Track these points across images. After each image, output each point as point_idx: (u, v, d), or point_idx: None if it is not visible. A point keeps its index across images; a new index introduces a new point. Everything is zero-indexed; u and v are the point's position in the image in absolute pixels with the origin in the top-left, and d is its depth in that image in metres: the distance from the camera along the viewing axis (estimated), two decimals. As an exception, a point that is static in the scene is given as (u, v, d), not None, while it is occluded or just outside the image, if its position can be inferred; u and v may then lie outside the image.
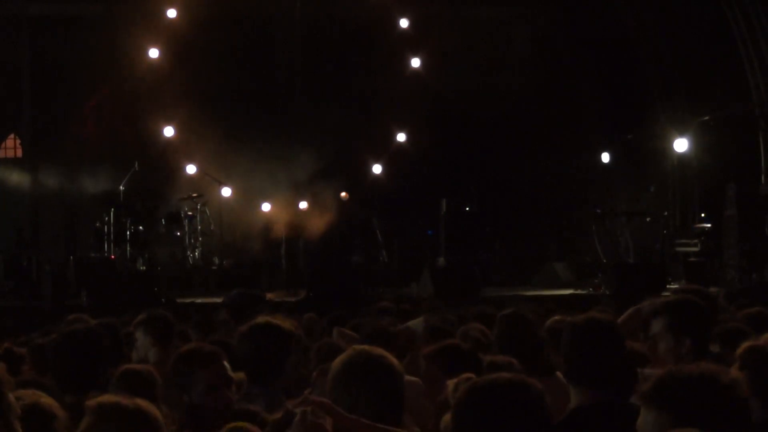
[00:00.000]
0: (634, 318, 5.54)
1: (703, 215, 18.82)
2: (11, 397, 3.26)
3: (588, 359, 4.32)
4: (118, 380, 4.82)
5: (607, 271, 17.00)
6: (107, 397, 3.26)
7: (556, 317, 7.56)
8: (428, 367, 5.13)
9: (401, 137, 20.00)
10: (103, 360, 5.04)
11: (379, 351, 3.86)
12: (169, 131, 19.37)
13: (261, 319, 5.13)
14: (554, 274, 18.55)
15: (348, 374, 3.76)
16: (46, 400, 3.70)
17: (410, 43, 19.92)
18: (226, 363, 4.52)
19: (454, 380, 4.27)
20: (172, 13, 19.23)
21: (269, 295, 15.72)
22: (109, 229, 17.64)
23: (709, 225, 18.04)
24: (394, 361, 3.85)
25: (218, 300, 15.40)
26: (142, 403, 3.25)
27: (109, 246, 17.63)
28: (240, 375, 5.03)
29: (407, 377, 4.21)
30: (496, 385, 3.03)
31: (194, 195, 18.57)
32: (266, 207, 18.86)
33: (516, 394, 2.99)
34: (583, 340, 4.36)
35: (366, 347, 3.90)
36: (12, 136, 21.02)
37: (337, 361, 3.85)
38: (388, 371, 3.77)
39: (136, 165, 18.02)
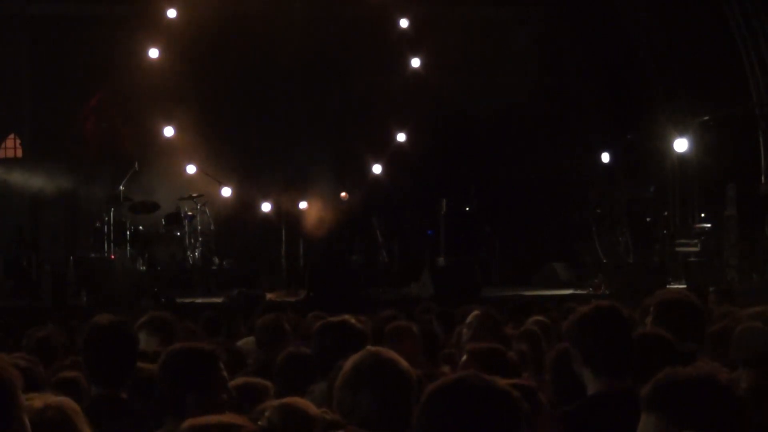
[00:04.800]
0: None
1: (703, 215, 18.82)
2: (23, 398, 3.24)
3: (601, 346, 4.33)
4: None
5: (607, 271, 17.01)
6: (205, 419, 3.15)
7: (538, 317, 7.61)
8: (467, 364, 5.10)
9: (401, 137, 19.99)
10: (133, 354, 5.07)
11: (390, 354, 3.83)
12: (169, 131, 19.37)
13: (336, 318, 5.30)
14: (554, 274, 18.55)
15: (355, 375, 3.74)
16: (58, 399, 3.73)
17: (410, 43, 19.92)
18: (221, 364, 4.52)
19: None
20: (172, 13, 19.23)
21: (269, 295, 15.72)
22: (109, 229, 17.65)
23: (709, 225, 18.03)
24: (405, 364, 3.81)
25: (218, 300, 15.44)
26: (237, 419, 3.20)
27: (109, 246, 17.64)
28: (263, 382, 5.05)
29: None
30: (462, 386, 2.72)
31: (194, 195, 18.58)
32: (266, 207, 18.86)
33: (480, 398, 2.69)
34: (593, 327, 4.38)
35: (378, 349, 3.88)
36: (12, 136, 21.01)
37: (348, 362, 3.83)
38: (396, 375, 3.73)
39: (136, 165, 18.03)
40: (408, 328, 6.45)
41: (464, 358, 5.23)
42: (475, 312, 6.84)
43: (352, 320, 5.32)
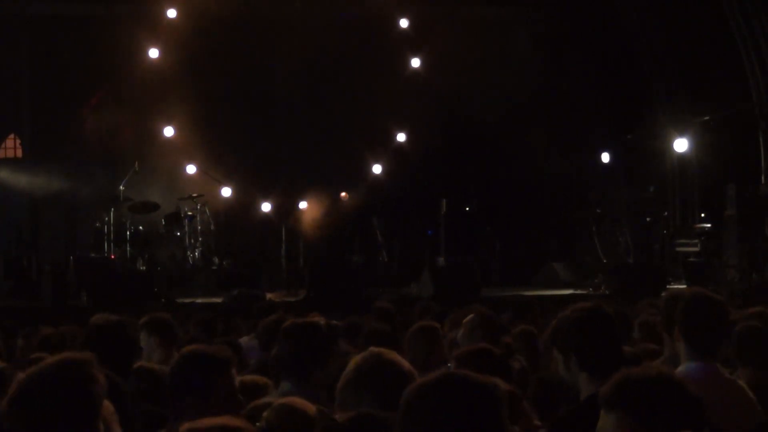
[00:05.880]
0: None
1: (703, 215, 18.83)
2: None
3: (600, 348, 4.34)
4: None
5: (607, 271, 17.01)
6: (204, 421, 3.16)
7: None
8: (457, 369, 5.12)
9: (401, 137, 20.00)
10: (132, 354, 5.06)
11: (392, 355, 3.83)
12: (169, 131, 19.36)
13: (302, 319, 5.27)
14: (554, 274, 18.55)
15: (356, 376, 3.75)
16: None
17: (410, 43, 19.92)
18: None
19: None
20: (172, 13, 19.22)
21: (269, 295, 15.72)
22: (109, 229, 17.64)
23: (709, 225, 18.04)
24: (407, 365, 3.81)
25: (218, 300, 15.44)
26: (236, 422, 3.21)
27: (109, 246, 17.62)
28: (263, 379, 5.05)
29: None
30: (439, 383, 2.71)
31: (194, 195, 18.56)
32: (266, 207, 18.86)
33: (465, 395, 2.68)
34: (590, 330, 4.38)
35: (380, 350, 3.88)
36: (12, 136, 21.01)
37: (351, 362, 3.84)
38: (397, 376, 3.73)
39: (136, 165, 18.02)
40: (436, 329, 6.44)
41: (452, 365, 5.26)
42: (471, 315, 6.87)
43: (320, 322, 5.31)
